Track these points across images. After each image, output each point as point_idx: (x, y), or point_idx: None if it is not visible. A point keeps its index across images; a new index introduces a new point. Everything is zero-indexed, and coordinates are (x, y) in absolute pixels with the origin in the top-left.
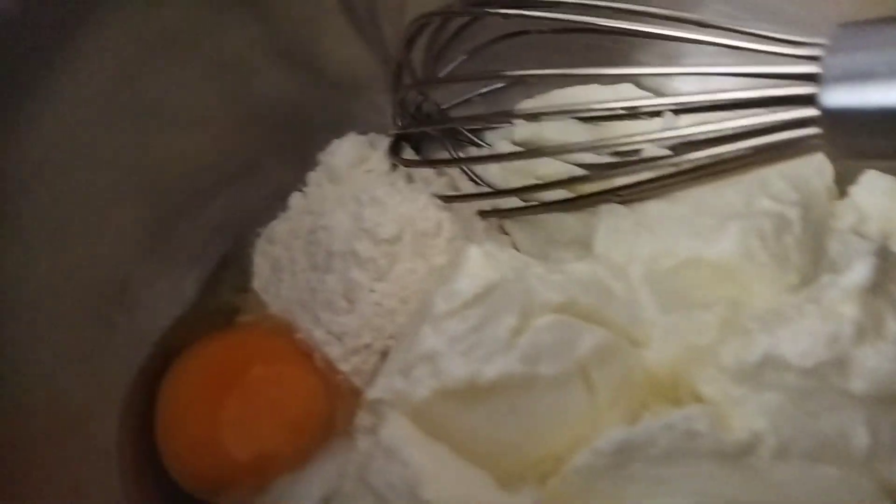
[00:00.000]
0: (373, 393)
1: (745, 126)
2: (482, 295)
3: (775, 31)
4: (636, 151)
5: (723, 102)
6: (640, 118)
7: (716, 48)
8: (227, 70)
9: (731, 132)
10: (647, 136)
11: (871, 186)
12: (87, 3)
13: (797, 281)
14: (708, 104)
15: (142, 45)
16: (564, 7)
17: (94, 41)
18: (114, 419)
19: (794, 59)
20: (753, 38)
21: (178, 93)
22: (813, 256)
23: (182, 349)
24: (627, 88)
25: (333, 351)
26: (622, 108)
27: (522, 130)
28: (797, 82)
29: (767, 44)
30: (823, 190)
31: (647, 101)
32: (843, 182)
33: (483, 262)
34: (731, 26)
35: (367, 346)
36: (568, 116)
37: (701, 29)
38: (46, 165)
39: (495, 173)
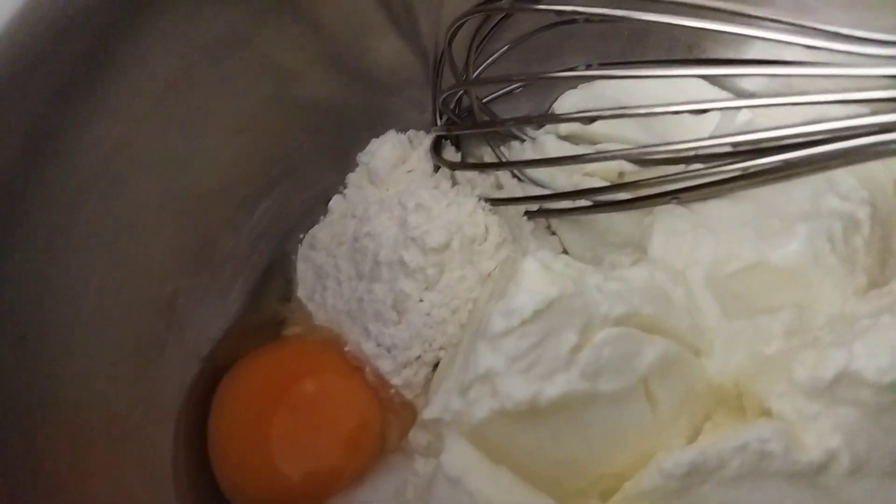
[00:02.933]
0: (429, 413)
1: (828, 130)
2: (542, 311)
3: (847, 15)
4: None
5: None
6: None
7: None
8: (268, 74)
9: (808, 138)
10: (713, 140)
11: None
12: (127, 15)
13: (865, 283)
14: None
15: (184, 55)
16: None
17: (136, 53)
18: (168, 438)
19: (885, 60)
20: (832, 35)
21: (221, 100)
22: (881, 256)
23: (231, 363)
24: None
25: (384, 364)
26: (687, 111)
27: (569, 124)
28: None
29: (852, 43)
30: (890, 184)
31: (713, 105)
32: None
33: (540, 276)
34: (808, 23)
35: (418, 359)
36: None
37: (775, 25)
38: (96, 180)
39: (541, 169)
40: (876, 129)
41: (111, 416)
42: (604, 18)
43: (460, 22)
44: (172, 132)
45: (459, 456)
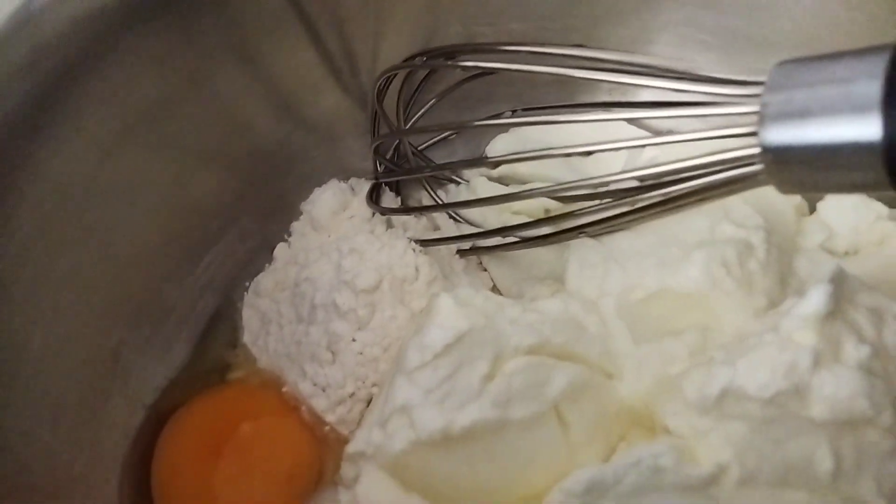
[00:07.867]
0: (353, 446)
1: (694, 165)
2: (452, 345)
3: (730, 58)
4: (605, 185)
5: (674, 141)
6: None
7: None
8: (209, 130)
9: (683, 172)
10: (606, 177)
11: (839, 202)
12: (61, 84)
13: (764, 304)
14: (663, 142)
15: (121, 121)
16: (515, 55)
17: (72, 120)
18: (113, 485)
19: (737, 98)
20: (697, 79)
21: (161, 160)
22: (780, 278)
23: (175, 410)
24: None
25: (319, 403)
26: (578, 153)
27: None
28: (739, 121)
29: (710, 85)
30: (790, 210)
31: (605, 146)
32: (812, 199)
33: (454, 311)
34: (675, 68)
35: (352, 396)
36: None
37: (644, 71)
38: (37, 239)
39: (473, 210)
40: (737, 163)
41: (54, 465)
42: (512, 71)
43: (385, 77)
44: (109, 196)
45: (373, 486)
